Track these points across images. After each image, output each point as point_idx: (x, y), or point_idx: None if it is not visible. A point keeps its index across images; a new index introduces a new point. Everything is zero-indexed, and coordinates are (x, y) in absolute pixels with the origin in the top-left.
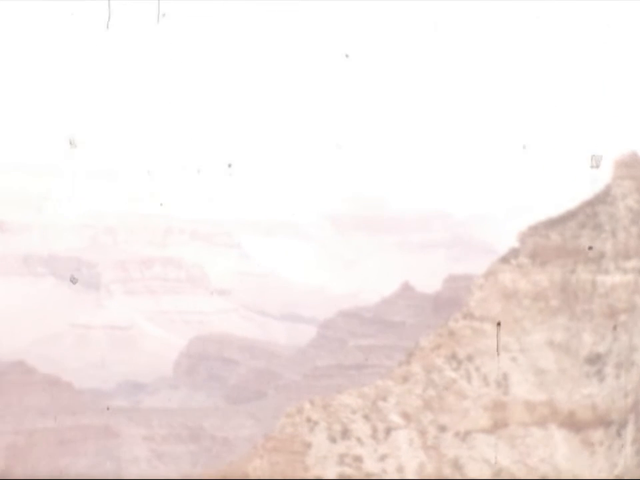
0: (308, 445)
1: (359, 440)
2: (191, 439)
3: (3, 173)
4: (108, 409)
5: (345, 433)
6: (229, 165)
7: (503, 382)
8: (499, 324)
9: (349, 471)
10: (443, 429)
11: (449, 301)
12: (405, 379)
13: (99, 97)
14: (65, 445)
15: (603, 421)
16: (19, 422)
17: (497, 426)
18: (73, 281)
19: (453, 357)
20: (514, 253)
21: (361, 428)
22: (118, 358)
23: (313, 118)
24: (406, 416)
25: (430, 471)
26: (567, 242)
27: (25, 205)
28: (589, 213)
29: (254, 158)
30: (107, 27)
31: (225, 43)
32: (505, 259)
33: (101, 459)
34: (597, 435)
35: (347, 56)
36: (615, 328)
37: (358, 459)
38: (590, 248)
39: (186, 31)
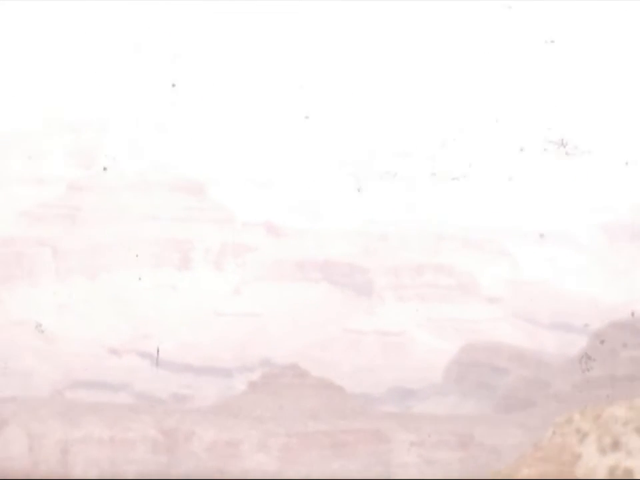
0: (578, 456)
1: (629, 453)
2: (460, 446)
3: (278, 181)
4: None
5: (616, 445)
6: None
7: None
8: None
9: None
10: None
11: None
12: None
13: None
14: (337, 448)
15: None
16: (293, 424)
17: None
18: None
19: None
20: None
21: (632, 441)
22: (388, 364)
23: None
24: None
25: None
26: None
27: (301, 211)
28: None
29: (531, 168)
30: None
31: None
32: None
33: (371, 463)
34: None
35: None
36: None
37: (629, 472)
38: None
39: None
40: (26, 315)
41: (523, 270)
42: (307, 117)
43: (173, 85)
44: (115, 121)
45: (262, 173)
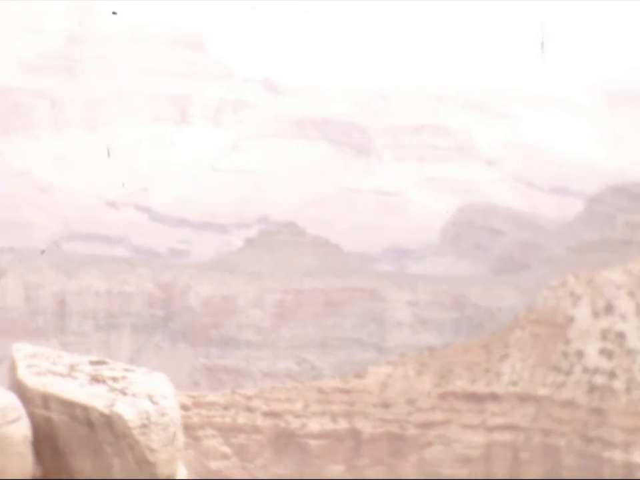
0: (570, 319)
1: (622, 316)
2: (454, 307)
3: (277, 37)
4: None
5: (609, 309)
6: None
7: None
8: None
9: (610, 347)
10: None
11: None
12: None
13: None
14: (331, 306)
15: None
16: (289, 281)
17: None
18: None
19: None
20: None
21: (625, 304)
22: (385, 223)
23: None
24: None
25: None
26: None
27: (300, 67)
28: None
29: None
30: None
31: None
32: None
33: (365, 321)
34: None
35: None
36: None
37: (621, 335)
38: None
39: None
40: (25, 167)
41: (521, 132)
42: None
43: None
44: None
45: (261, 28)
